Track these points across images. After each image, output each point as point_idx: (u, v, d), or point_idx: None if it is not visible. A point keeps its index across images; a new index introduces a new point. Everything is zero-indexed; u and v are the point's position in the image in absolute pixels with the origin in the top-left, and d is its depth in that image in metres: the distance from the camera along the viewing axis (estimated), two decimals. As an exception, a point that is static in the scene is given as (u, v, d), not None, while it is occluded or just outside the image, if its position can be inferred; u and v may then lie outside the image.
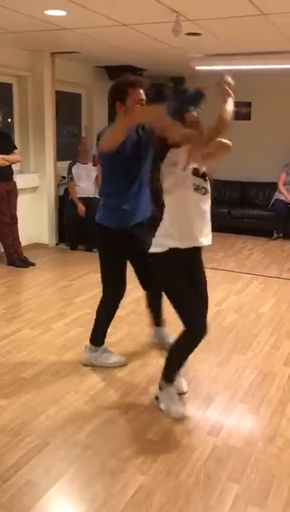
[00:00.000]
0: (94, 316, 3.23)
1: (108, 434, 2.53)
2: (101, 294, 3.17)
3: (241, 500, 2.09)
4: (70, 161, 6.40)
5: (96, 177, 6.34)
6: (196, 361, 3.29)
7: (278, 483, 2.20)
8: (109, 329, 3.18)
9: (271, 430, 2.60)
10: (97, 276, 3.17)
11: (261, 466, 2.32)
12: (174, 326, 2.83)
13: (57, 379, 3.06)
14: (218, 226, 7.42)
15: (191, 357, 2.71)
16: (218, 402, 2.86)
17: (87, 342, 3.27)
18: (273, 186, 7.44)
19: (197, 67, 6.27)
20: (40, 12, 4.08)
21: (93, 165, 6.33)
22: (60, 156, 6.56)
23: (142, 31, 4.68)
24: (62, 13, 4.08)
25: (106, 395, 2.89)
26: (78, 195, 6.32)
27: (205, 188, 2.54)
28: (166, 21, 4.12)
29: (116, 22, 4.32)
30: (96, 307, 3.22)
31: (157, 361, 3.28)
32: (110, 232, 2.99)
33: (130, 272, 3.17)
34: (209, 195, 2.58)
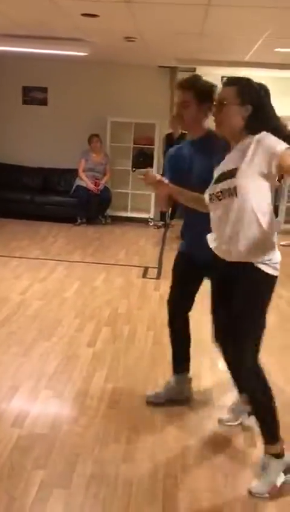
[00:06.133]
0: None
1: None
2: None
3: (46, 485, 2.11)
4: None
5: None
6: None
7: (82, 460, 2.28)
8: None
9: (75, 411, 2.67)
10: None
11: (66, 447, 2.36)
12: None
13: None
14: (21, 213, 7.45)
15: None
16: (22, 392, 2.82)
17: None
18: (75, 173, 7.54)
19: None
20: None
21: None
22: None
23: None
24: None
25: None
26: None
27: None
28: None
29: None
30: None
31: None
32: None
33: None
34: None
